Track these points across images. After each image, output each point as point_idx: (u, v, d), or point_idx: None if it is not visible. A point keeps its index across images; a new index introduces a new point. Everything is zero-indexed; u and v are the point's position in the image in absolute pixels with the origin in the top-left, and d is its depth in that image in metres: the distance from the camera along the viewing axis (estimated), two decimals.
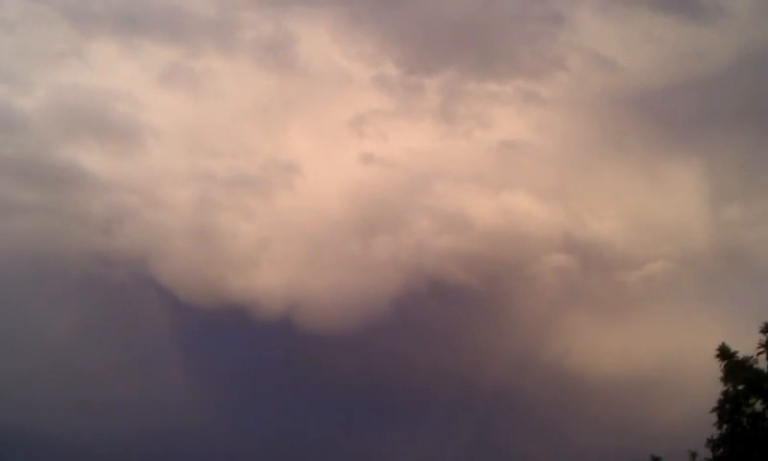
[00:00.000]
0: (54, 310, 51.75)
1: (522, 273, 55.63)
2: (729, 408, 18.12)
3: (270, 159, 55.40)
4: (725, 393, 18.20)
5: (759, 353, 18.01)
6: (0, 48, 54.79)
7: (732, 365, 18.14)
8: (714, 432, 18.30)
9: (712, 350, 18.67)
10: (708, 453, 18.39)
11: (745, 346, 18.54)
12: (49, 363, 52.34)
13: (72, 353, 53.08)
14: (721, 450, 18.18)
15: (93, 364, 54.07)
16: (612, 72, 54.65)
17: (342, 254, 55.49)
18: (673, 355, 49.07)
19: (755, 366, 18.03)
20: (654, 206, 53.70)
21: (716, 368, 18.58)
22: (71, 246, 54.12)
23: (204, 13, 55.97)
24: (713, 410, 18.31)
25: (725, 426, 18.19)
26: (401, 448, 57.25)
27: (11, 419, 51.65)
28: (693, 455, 18.68)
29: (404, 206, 55.02)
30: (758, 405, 17.98)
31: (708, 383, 19.32)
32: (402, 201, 55.21)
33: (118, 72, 55.03)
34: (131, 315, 56.10)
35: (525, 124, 55.51)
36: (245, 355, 60.14)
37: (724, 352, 18.36)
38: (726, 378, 18.20)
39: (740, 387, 17.99)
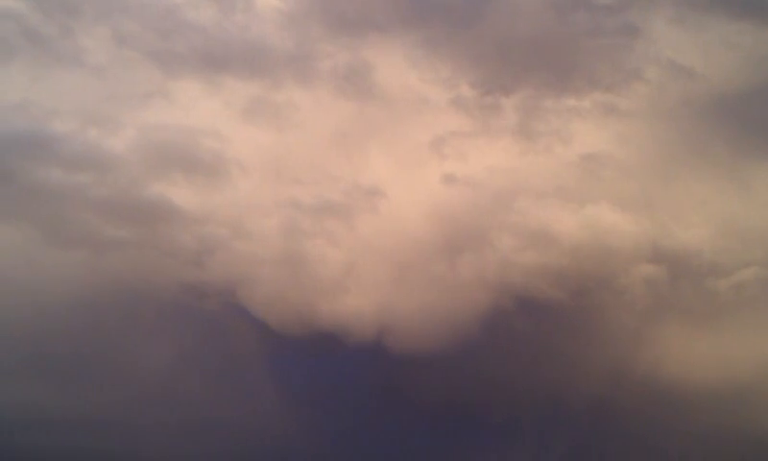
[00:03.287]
0: (151, 341, 53.15)
1: (610, 285, 55.24)
2: None
3: (353, 185, 56.23)
4: None
5: None
6: (90, 93, 56.29)
7: None
8: None
9: None
10: None
11: None
12: (149, 391, 53.57)
13: (170, 381, 54.26)
14: None
15: (190, 390, 55.14)
16: (690, 80, 54.56)
17: (428, 276, 55.83)
18: None
19: None
20: (742, 211, 53.06)
21: None
22: (164, 279, 55.45)
23: (283, 47, 57.21)
24: None
25: None
26: None
27: (118, 445, 53.06)
28: None
29: (488, 225, 55.20)
30: None
31: None
32: (485, 219, 55.41)
33: (202, 109, 56.49)
34: (223, 343, 57.21)
35: (605, 136, 55.53)
36: (336, 380, 60.71)
37: None
38: None
39: None
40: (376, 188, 55.86)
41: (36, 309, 52.75)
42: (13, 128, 53.92)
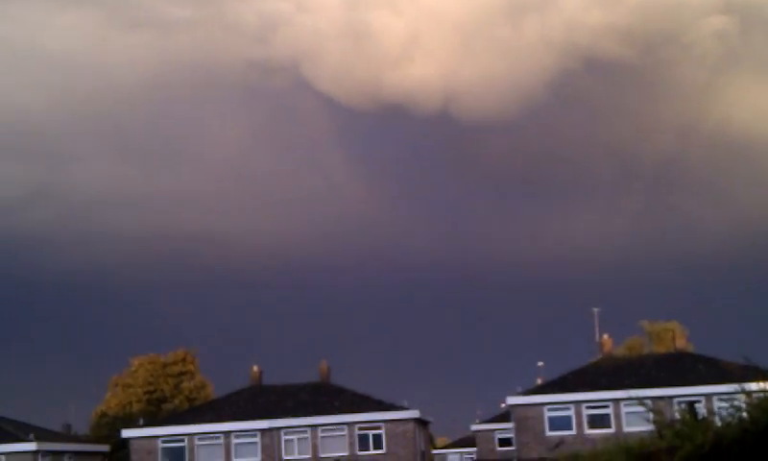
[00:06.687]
0: (221, 119, 54.34)
1: (679, 40, 54.21)
2: None
3: None
4: None
5: None
6: None
7: None
8: None
9: None
10: None
11: None
12: (224, 168, 55.11)
13: (243, 158, 55.65)
14: None
15: (263, 166, 56.64)
16: None
17: (493, 40, 55.31)
18: None
19: None
20: None
21: None
22: (230, 56, 55.84)
23: None
24: None
25: None
26: (569, 225, 58.13)
27: (198, 222, 55.19)
28: None
29: None
30: None
31: None
32: None
33: None
34: (292, 119, 58.06)
35: None
36: (404, 150, 61.39)
37: None
38: None
39: None
40: None
41: (109, 91, 53.87)
42: None
